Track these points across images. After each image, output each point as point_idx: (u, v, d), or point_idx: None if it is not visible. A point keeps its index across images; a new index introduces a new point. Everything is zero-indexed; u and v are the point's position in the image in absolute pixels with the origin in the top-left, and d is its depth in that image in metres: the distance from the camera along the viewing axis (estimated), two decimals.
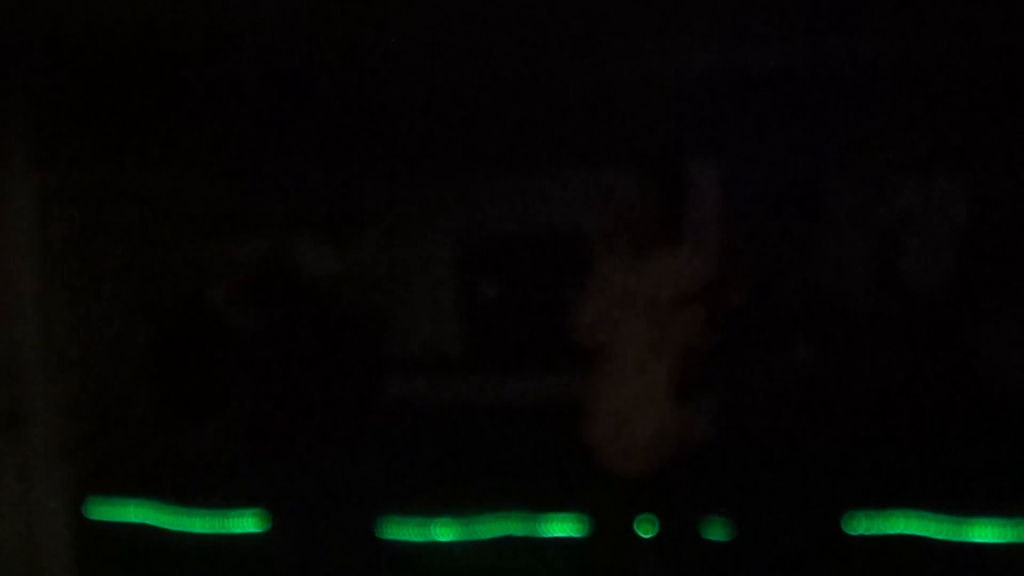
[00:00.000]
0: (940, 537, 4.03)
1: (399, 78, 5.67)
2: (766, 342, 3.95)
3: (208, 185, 5.09)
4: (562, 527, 4.26)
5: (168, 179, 4.98)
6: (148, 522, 4.58)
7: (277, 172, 5.69)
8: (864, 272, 5.77)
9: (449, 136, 6.36)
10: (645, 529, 3.42)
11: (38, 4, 3.56)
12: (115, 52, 4.55)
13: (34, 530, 4.59)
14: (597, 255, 3.41)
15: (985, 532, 4.00)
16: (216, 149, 5.17)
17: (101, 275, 4.76)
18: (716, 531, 4.00)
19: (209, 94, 5.24)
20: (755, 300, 3.89)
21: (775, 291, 5.02)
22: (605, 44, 5.10)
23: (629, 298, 3.27)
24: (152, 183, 4.98)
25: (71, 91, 4.62)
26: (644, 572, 3.46)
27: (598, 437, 3.40)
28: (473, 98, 6.04)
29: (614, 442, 3.34)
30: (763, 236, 5.42)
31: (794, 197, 6.10)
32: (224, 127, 5.22)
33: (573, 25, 4.57)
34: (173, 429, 4.56)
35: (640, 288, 3.26)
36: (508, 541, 4.30)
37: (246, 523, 4.40)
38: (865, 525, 4.02)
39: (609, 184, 3.53)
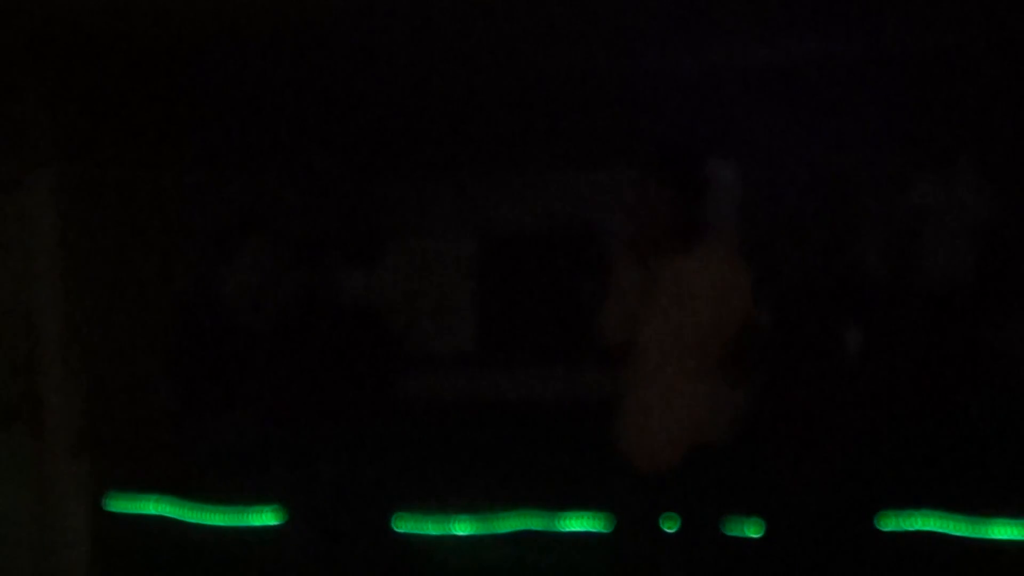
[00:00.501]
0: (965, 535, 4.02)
1: (419, 76, 5.68)
2: (794, 339, 3.90)
3: (226, 181, 5.10)
4: (583, 523, 4.24)
5: (187, 175, 4.99)
6: (166, 515, 4.59)
7: (292, 170, 5.71)
8: (894, 269, 5.73)
9: (466, 134, 6.35)
10: (669, 525, 3.40)
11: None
12: (133, 47, 4.57)
13: (53, 523, 4.61)
14: (621, 254, 3.40)
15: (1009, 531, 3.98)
16: (232, 144, 5.18)
17: (120, 269, 4.77)
18: (744, 528, 3.98)
19: (222, 92, 5.26)
20: (782, 299, 3.87)
21: (802, 290, 4.98)
22: (631, 41, 5.10)
23: (653, 297, 3.26)
24: (171, 178, 4.99)
25: (93, 86, 4.64)
26: (667, 568, 3.45)
27: (623, 434, 3.40)
28: (491, 96, 6.04)
29: (639, 439, 3.33)
30: (787, 235, 5.38)
31: (821, 194, 6.08)
32: (236, 123, 5.24)
33: (597, 21, 4.57)
34: (192, 423, 4.56)
35: (664, 287, 3.25)
36: (527, 536, 4.29)
37: (264, 517, 4.41)
38: (896, 522, 4.01)
39: (632, 183, 3.51)
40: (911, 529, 4.01)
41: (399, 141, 6.48)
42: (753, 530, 4.00)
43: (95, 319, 4.74)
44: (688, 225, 3.28)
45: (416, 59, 5.29)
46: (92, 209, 4.70)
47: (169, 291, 4.82)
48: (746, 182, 6.04)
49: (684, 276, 3.24)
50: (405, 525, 4.24)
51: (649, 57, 5.54)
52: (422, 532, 4.29)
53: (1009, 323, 5.38)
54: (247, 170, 5.27)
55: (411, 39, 4.67)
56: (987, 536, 3.99)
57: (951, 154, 5.52)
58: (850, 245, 5.77)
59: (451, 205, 6.49)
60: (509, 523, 4.29)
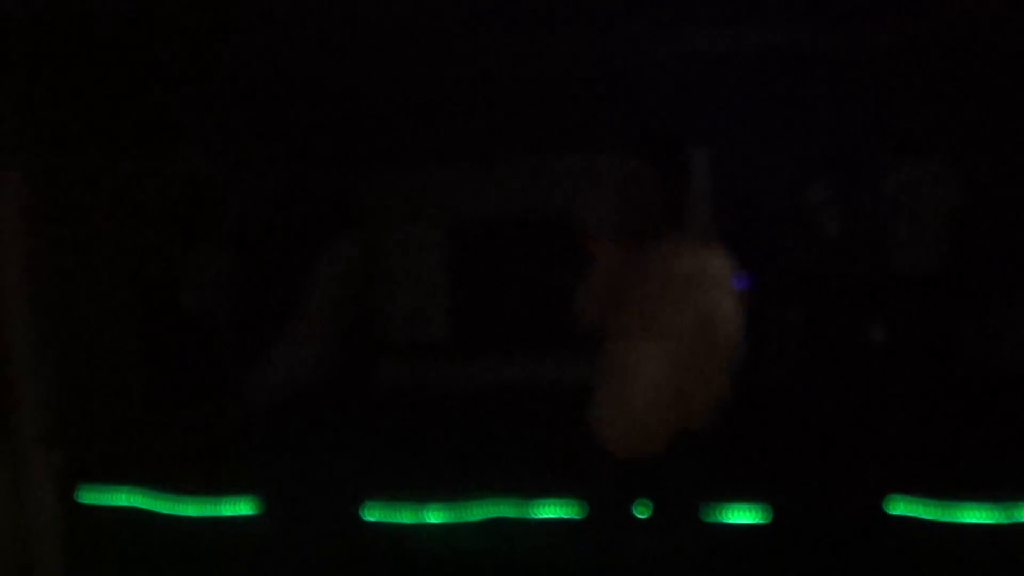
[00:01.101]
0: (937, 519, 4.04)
1: (393, 67, 5.67)
2: (776, 326, 3.91)
3: (197, 173, 5.08)
4: (555, 510, 4.26)
5: (156, 166, 4.97)
6: (139, 506, 4.59)
7: (265, 160, 5.67)
8: (882, 256, 5.73)
9: (441, 122, 6.35)
10: (642, 511, 3.41)
11: None
12: (99, 38, 4.55)
13: (25, 515, 4.58)
14: (601, 238, 3.40)
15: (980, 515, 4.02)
16: (202, 137, 5.17)
17: (92, 262, 4.76)
18: (745, 514, 4.01)
19: (193, 81, 5.24)
20: (761, 286, 3.87)
21: (782, 276, 5.00)
22: (607, 29, 5.10)
23: (633, 282, 3.26)
24: (141, 170, 4.97)
25: (61, 77, 4.62)
26: (640, 554, 3.45)
27: (600, 419, 3.40)
28: (466, 84, 6.04)
29: (616, 424, 3.33)
30: (769, 222, 5.40)
31: (801, 182, 6.11)
32: (209, 115, 5.22)
33: (574, 9, 4.57)
34: (164, 415, 4.56)
35: (644, 272, 3.25)
36: (499, 523, 4.30)
37: (238, 507, 4.41)
38: (904, 507, 4.05)
39: (610, 169, 3.50)
40: (916, 515, 4.06)
41: (371, 131, 6.48)
42: (765, 516, 4.02)
43: (66, 311, 4.73)
44: (670, 211, 3.28)
45: (385, 47, 5.28)
46: (62, 200, 4.69)
47: (140, 283, 4.81)
48: (727, 169, 6.06)
49: (665, 261, 3.24)
50: (376, 514, 4.25)
51: (624, 45, 5.56)
52: (394, 520, 4.30)
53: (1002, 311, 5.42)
54: (215, 160, 5.25)
55: (377, 27, 4.66)
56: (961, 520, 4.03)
57: (927, 144, 5.53)
58: (836, 232, 5.82)
59: (424, 194, 6.48)
60: (482, 511, 4.30)
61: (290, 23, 4.57)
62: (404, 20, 4.71)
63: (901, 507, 4.05)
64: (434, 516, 4.31)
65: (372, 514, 4.25)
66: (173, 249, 4.81)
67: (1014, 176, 5.75)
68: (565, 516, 4.21)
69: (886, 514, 3.96)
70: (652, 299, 3.23)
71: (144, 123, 4.93)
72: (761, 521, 4.02)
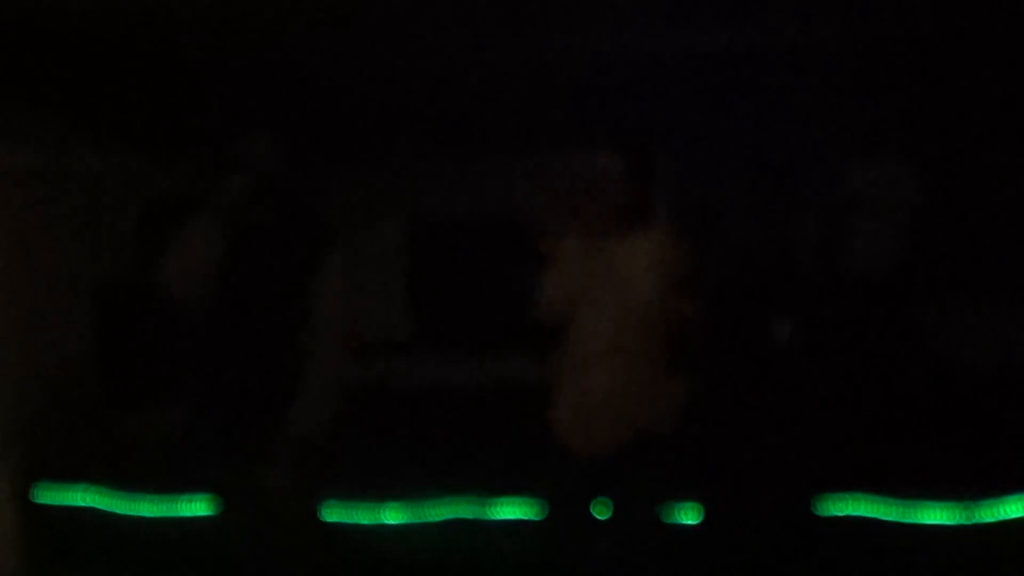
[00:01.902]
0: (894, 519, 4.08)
1: (348, 62, 5.64)
2: (731, 326, 3.90)
3: (154, 165, 5.03)
4: (514, 510, 4.26)
5: (111, 159, 4.91)
6: (96, 506, 4.56)
7: (227, 153, 5.61)
8: (830, 255, 5.77)
9: (403, 119, 6.33)
10: (600, 511, 3.41)
11: None
12: (62, 29, 4.49)
13: None
14: (562, 234, 3.39)
15: (937, 515, 4.05)
16: (159, 129, 5.11)
17: (44, 257, 4.71)
18: (682, 514, 4.01)
19: (154, 72, 5.19)
20: (719, 284, 3.87)
21: (740, 275, 5.00)
22: (567, 26, 5.09)
23: (593, 279, 3.26)
24: (94, 163, 4.92)
25: (10, 68, 4.55)
26: (600, 555, 3.46)
27: (559, 419, 3.40)
28: (428, 81, 6.01)
29: (575, 424, 3.34)
30: (727, 220, 5.41)
31: (759, 180, 6.12)
32: (171, 108, 5.18)
33: (536, 7, 4.56)
34: (121, 413, 4.52)
35: (603, 271, 3.25)
36: (458, 524, 4.30)
37: (196, 507, 4.38)
38: (834, 507, 4.07)
39: (573, 167, 3.50)
40: (847, 514, 4.08)
41: (331, 127, 6.46)
42: (691, 516, 4.04)
43: (20, 309, 4.68)
44: (630, 209, 3.28)
45: (351, 44, 5.25)
46: (13, 197, 4.63)
47: (95, 280, 4.77)
48: (689, 168, 6.07)
49: (625, 259, 3.24)
50: (335, 514, 4.24)
51: (594, 43, 5.55)
52: (352, 521, 4.29)
53: (939, 309, 5.47)
54: (179, 154, 5.21)
55: (343, 25, 4.64)
56: (918, 521, 4.06)
57: (881, 143, 5.57)
58: (782, 232, 5.82)
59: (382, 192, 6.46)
60: (441, 511, 4.30)
61: (263, 20, 4.54)
62: (362, 24, 4.70)
63: (832, 507, 4.09)
64: (392, 517, 4.30)
65: (331, 515, 4.25)
66: (129, 245, 4.76)
67: (969, 176, 5.80)
68: (523, 517, 4.21)
69: (815, 515, 3.98)
70: (609, 297, 3.23)
71: (99, 116, 4.87)
72: (692, 522, 4.05)
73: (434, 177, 6.46)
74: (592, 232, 3.27)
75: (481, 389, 5.50)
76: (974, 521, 4.03)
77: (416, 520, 4.29)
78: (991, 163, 5.84)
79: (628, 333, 3.24)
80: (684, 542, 4.00)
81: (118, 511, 4.51)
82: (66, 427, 4.73)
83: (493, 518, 4.30)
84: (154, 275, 3.85)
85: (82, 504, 4.57)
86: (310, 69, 5.84)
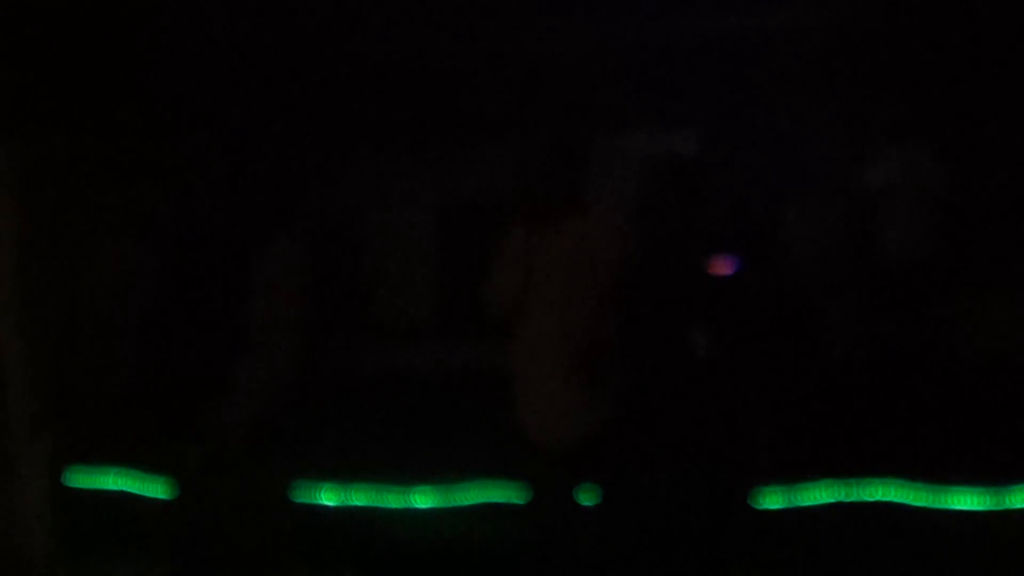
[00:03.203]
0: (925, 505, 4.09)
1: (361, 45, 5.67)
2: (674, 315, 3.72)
3: (183, 155, 5.06)
4: (499, 494, 4.28)
5: (147, 150, 4.95)
6: (128, 490, 4.61)
7: (250, 144, 5.64)
8: (861, 243, 5.74)
9: (426, 104, 6.36)
10: (587, 498, 3.37)
11: None
12: (87, 20, 4.53)
13: (14, 499, 4.60)
14: (507, 224, 3.36)
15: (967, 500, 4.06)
16: (186, 118, 5.13)
17: (79, 246, 4.77)
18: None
19: (181, 61, 5.22)
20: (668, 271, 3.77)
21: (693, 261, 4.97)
22: (520, 12, 5.13)
23: (539, 268, 3.22)
24: (132, 156, 4.96)
25: (48, 57, 4.59)
26: (587, 542, 3.40)
27: (517, 407, 3.38)
28: (432, 69, 6.06)
29: (532, 412, 3.32)
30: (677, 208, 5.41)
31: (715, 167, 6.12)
32: (193, 97, 5.20)
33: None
34: (153, 399, 4.54)
35: (547, 260, 3.22)
36: (438, 510, 4.32)
37: None
38: (865, 493, 4.08)
39: (517, 154, 3.47)
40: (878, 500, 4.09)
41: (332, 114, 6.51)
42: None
43: (53, 295, 4.73)
44: (571, 195, 3.26)
45: (359, 28, 5.29)
46: (49, 186, 4.68)
47: (127, 268, 4.80)
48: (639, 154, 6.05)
49: (568, 248, 3.21)
50: (362, 498, 4.29)
51: (544, 29, 5.58)
52: (382, 505, 4.33)
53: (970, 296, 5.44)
54: (207, 145, 5.23)
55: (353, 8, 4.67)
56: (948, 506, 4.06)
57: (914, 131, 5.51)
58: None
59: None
60: (416, 497, 4.34)
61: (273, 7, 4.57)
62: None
63: (863, 493, 4.12)
64: (422, 501, 4.34)
65: (358, 498, 4.29)
66: (160, 236, 4.78)
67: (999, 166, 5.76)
68: (505, 501, 4.21)
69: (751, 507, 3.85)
70: (556, 280, 3.20)
71: (130, 105, 4.90)
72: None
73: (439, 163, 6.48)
74: (539, 218, 3.23)
75: (465, 374, 5.51)
76: (1004, 507, 4.04)
77: (446, 504, 4.32)
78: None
79: (575, 317, 3.20)
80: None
81: (150, 495, 4.56)
82: (99, 411, 4.79)
83: (471, 503, 4.32)
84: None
85: (114, 488, 4.63)
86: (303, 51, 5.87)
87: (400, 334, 6.20)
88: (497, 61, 5.88)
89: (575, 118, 3.23)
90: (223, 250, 3.13)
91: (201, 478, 3.25)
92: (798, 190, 6.35)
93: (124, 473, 4.60)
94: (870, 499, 4.16)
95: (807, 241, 6.37)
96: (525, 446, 3.33)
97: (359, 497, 4.37)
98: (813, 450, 4.54)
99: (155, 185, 4.88)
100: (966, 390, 5.04)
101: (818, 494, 4.15)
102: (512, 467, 3.70)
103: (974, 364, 5.31)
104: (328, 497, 4.37)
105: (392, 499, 4.35)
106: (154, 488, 4.55)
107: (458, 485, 4.35)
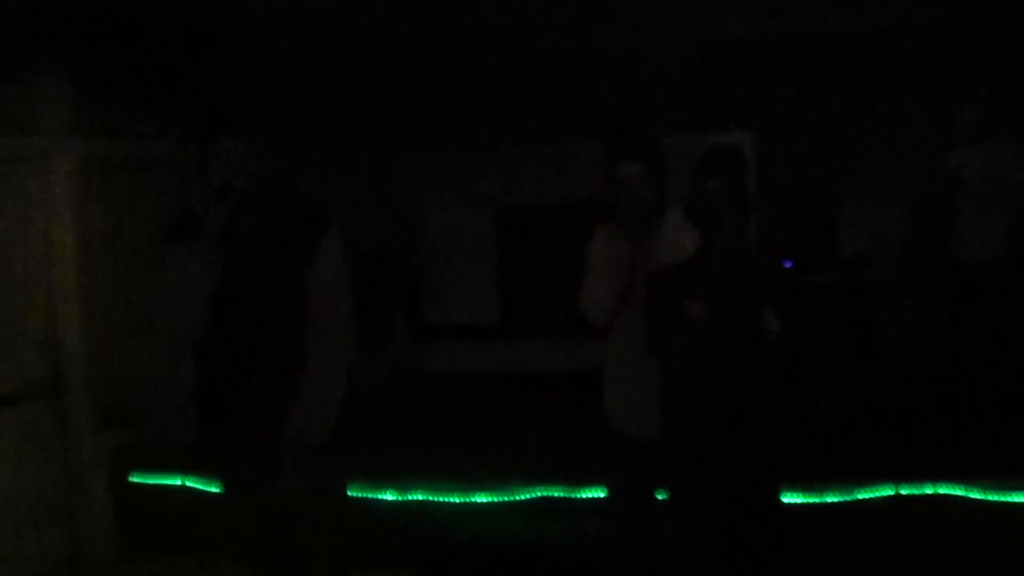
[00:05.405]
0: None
1: (428, 54, 5.73)
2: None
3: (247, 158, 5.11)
4: (585, 491, 4.33)
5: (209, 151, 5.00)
6: (190, 486, 4.68)
7: (314, 145, 5.73)
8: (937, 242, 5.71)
9: (483, 107, 6.46)
10: (662, 494, 3.41)
11: None
12: (152, 22, 4.59)
13: (79, 495, 4.69)
14: (604, 232, 3.40)
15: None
16: (250, 121, 5.19)
17: (141, 247, 4.84)
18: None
19: (243, 65, 5.28)
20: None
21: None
22: (616, 20, 5.17)
23: (633, 272, 3.27)
24: (199, 157, 5.02)
25: (117, 61, 4.65)
26: (662, 538, 3.44)
27: (614, 406, 3.44)
28: (509, 72, 6.14)
29: (632, 408, 3.37)
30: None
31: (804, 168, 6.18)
32: (257, 100, 5.26)
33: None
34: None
35: (640, 262, 3.26)
36: (536, 503, 4.38)
37: None
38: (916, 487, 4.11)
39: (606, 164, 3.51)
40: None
41: (411, 115, 6.59)
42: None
43: (118, 297, 4.82)
44: (662, 201, 3.31)
45: (429, 40, 5.34)
46: (115, 188, 4.75)
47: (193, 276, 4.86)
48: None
49: (656, 250, 3.26)
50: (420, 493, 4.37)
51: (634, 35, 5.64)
52: (442, 500, 4.39)
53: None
54: (273, 145, 5.29)
55: (410, 15, 4.71)
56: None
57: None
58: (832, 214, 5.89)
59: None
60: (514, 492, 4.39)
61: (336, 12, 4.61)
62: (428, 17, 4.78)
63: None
64: (482, 496, 4.39)
65: (415, 494, 4.37)
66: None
67: None
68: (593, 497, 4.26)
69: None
70: (639, 286, 3.24)
71: (194, 107, 4.94)
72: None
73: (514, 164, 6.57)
74: (633, 224, 3.27)
75: (551, 373, 5.55)
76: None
77: (504, 499, 4.37)
78: None
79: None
80: None
81: (212, 491, 4.61)
82: (162, 409, 4.88)
83: (566, 497, 4.37)
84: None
85: (177, 484, 4.71)
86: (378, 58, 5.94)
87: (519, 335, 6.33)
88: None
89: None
90: (283, 256, 3.15)
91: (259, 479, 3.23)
92: (863, 189, 6.46)
93: (185, 473, 4.68)
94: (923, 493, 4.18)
95: (874, 241, 6.45)
96: (611, 443, 3.39)
97: (417, 493, 4.43)
98: (872, 449, 4.60)
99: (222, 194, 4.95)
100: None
101: (873, 491, 4.18)
102: (594, 464, 3.75)
103: None
104: (389, 493, 4.44)
105: (453, 495, 4.41)
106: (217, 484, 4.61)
107: (519, 482, 4.41)
